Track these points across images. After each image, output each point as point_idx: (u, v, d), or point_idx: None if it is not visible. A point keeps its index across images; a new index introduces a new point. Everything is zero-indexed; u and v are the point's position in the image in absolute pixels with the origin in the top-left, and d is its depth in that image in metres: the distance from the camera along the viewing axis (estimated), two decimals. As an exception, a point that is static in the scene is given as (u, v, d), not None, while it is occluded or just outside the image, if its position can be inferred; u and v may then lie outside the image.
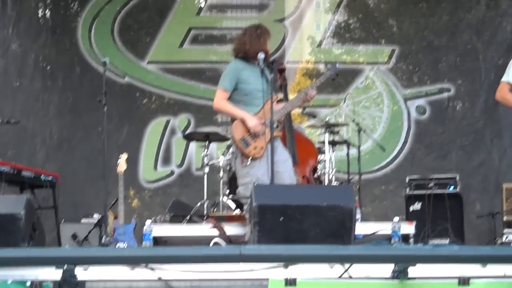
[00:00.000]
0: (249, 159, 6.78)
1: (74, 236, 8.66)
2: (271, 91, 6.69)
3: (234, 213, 8.25)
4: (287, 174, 6.84)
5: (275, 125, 6.70)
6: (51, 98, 11.00)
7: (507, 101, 6.98)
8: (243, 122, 6.82)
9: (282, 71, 8.04)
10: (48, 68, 11.10)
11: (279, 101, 7.44)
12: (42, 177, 8.32)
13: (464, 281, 4.95)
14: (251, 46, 6.87)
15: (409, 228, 7.54)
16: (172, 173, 10.98)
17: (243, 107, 6.87)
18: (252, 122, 6.78)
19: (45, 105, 10.95)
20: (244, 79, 6.85)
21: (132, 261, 5.02)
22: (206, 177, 8.78)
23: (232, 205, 8.37)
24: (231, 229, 7.25)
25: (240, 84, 6.86)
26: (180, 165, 10.95)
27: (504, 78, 6.95)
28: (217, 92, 6.96)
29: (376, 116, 11.02)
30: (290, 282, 4.97)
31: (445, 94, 10.91)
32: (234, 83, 6.85)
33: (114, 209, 8.57)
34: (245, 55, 6.93)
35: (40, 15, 11.26)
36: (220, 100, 6.90)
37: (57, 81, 11.05)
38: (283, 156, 6.91)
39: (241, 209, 7.80)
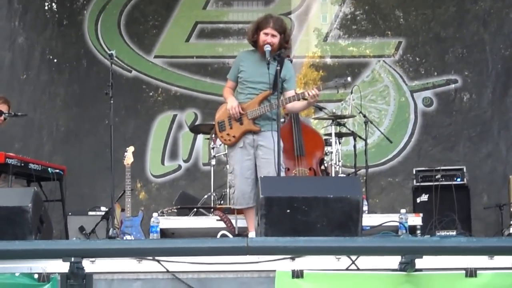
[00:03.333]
0: (217, 142, 7.14)
1: (81, 229, 8.67)
2: (276, 84, 6.71)
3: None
4: (264, 170, 6.74)
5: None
6: (58, 90, 11.01)
7: None
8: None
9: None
10: (55, 61, 11.11)
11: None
12: (49, 169, 8.32)
13: (471, 272, 4.95)
14: (252, 35, 6.97)
15: (416, 220, 7.55)
16: (179, 167, 10.98)
17: (237, 94, 7.02)
18: (231, 103, 6.90)
19: (52, 98, 10.97)
20: (243, 69, 6.99)
21: (139, 253, 5.03)
22: (212, 170, 8.81)
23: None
24: (238, 221, 7.25)
25: (240, 73, 7.00)
26: (187, 160, 10.94)
27: None
28: None
29: (383, 109, 10.99)
30: (297, 274, 4.97)
31: (452, 86, 10.88)
32: (235, 72, 7.04)
33: (121, 202, 8.59)
34: (253, 43, 7.03)
35: (46, 8, 11.28)
36: (224, 88, 7.16)
37: (64, 74, 11.06)
38: (267, 154, 6.77)
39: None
